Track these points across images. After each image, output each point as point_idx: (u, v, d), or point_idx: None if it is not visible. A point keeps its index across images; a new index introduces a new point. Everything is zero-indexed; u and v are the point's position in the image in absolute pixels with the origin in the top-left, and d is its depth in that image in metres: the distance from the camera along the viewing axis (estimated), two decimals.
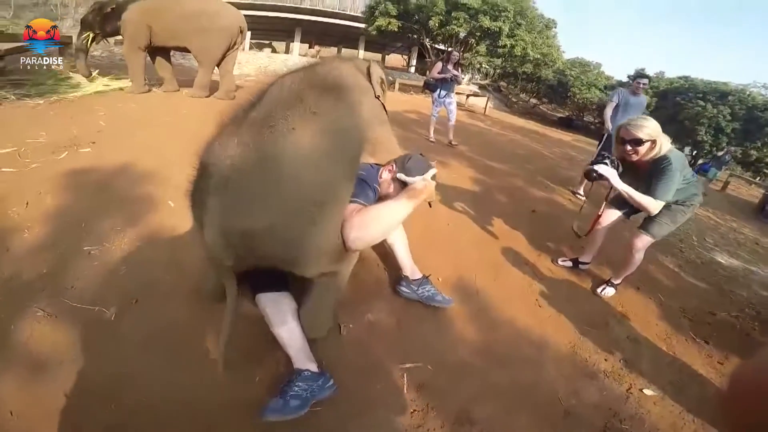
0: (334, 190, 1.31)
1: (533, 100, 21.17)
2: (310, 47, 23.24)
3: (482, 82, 18.98)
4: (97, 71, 6.03)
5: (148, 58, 5.76)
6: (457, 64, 5.72)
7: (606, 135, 4.43)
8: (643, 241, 2.33)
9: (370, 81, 1.86)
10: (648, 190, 2.14)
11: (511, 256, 2.75)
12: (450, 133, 5.91)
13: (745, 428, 0.47)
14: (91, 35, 5.64)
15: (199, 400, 1.42)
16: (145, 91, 5.71)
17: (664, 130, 2.16)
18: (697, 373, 2.00)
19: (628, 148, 2.12)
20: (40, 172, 2.70)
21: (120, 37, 5.89)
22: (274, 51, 21.77)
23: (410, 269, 2.08)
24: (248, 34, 6.11)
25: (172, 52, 6.12)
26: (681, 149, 4.28)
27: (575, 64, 19.11)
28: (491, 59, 14.94)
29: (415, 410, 1.53)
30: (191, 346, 1.60)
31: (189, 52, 5.86)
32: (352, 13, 19.54)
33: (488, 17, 13.30)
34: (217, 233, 1.24)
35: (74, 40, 6.13)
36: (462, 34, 14.40)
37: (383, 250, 2.24)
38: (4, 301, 1.67)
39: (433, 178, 1.66)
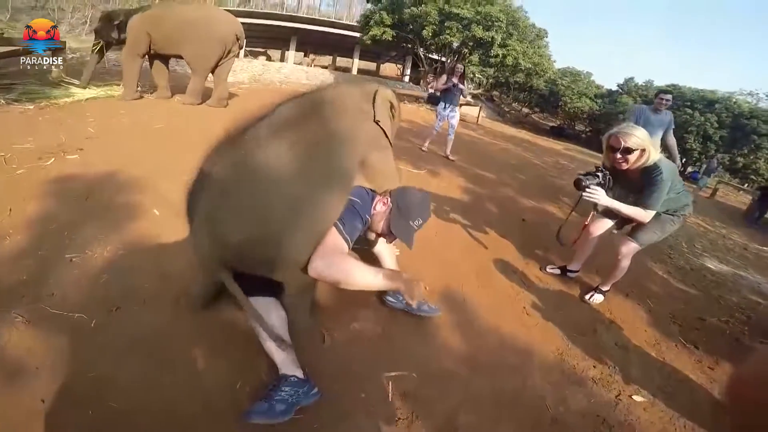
0: (315, 206, 1.42)
1: (525, 110, 21.40)
2: (305, 56, 23.38)
3: (475, 92, 19.19)
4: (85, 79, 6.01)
5: (146, 64, 5.83)
6: (462, 77, 5.65)
7: None
8: (630, 248, 2.34)
9: (373, 106, 1.85)
10: (638, 199, 2.15)
11: (499, 265, 2.75)
12: (448, 147, 5.78)
13: None
14: (102, 44, 5.80)
15: (180, 406, 1.39)
16: (136, 98, 5.71)
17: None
18: (687, 378, 1.99)
19: (618, 156, 2.11)
20: (26, 178, 2.67)
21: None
22: (269, 59, 21.84)
23: None
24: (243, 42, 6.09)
25: (171, 60, 6.17)
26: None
27: (566, 73, 19.39)
28: (484, 69, 15.12)
29: (400, 418, 1.51)
30: (172, 353, 1.57)
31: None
32: (347, 23, 19.74)
33: (481, 27, 13.48)
34: (205, 233, 1.38)
35: (68, 45, 6.17)
36: (455, 44, 14.58)
37: (370, 259, 2.23)
38: None
39: (420, 225, 1.71)
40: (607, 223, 2.49)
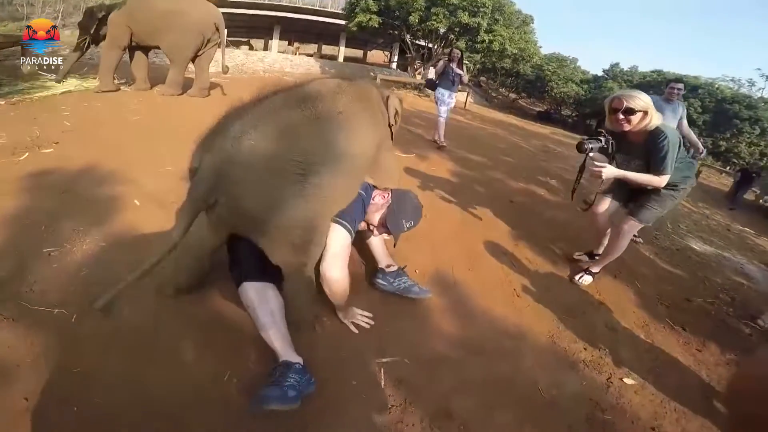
0: (319, 178, 1.43)
1: (512, 95, 21.42)
2: (289, 44, 22.97)
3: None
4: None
5: (126, 57, 5.77)
6: (460, 62, 5.46)
7: None
8: (631, 226, 2.31)
9: (387, 109, 1.95)
10: (647, 166, 2.11)
11: (489, 247, 2.73)
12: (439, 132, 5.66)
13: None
14: (88, 39, 5.81)
15: (168, 399, 1.36)
16: (113, 90, 5.59)
17: None
18: (675, 360, 2.00)
19: (621, 117, 2.08)
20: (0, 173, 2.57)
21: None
22: (251, 48, 21.40)
23: (386, 262, 2.06)
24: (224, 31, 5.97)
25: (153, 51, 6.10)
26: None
27: (552, 59, 19.44)
28: (471, 55, 15.03)
29: (393, 405, 1.49)
30: (156, 345, 1.54)
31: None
32: (332, 10, 19.37)
33: (467, 13, 13.37)
34: (211, 171, 1.39)
35: None
36: (442, 30, 14.45)
37: (359, 244, 2.20)
38: None
39: (410, 228, 1.87)
40: (612, 203, 2.45)
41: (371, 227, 1.90)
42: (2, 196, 2.30)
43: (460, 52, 5.50)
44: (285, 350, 1.44)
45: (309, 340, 1.65)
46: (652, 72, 18.99)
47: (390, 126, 1.96)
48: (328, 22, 19.13)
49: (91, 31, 5.78)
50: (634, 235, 3.14)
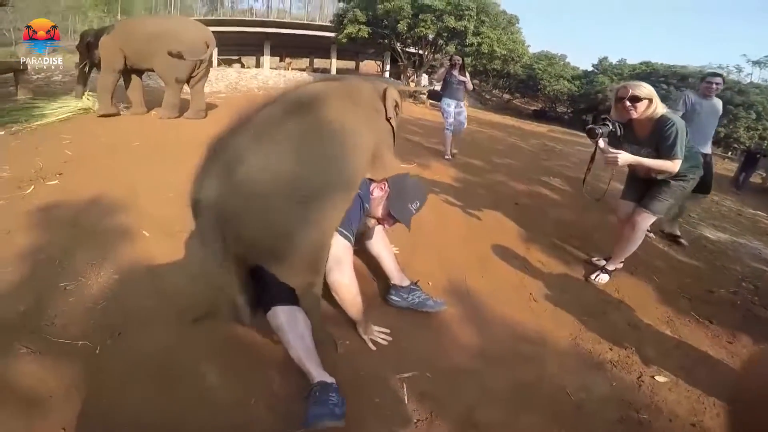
0: (325, 194, 1.41)
1: (506, 96, 21.51)
2: (281, 60, 23.11)
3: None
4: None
5: (121, 81, 5.79)
6: (462, 68, 5.12)
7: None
8: (644, 218, 2.30)
9: (384, 103, 1.89)
10: (657, 154, 2.14)
11: (499, 252, 2.71)
12: (453, 144, 5.31)
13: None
14: (87, 63, 5.93)
15: (194, 425, 1.36)
16: (112, 113, 5.62)
17: None
18: (706, 354, 1.96)
19: (627, 104, 2.12)
20: (7, 209, 2.58)
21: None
22: (242, 66, 21.53)
23: (398, 277, 2.04)
24: (215, 50, 6.02)
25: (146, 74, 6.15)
26: None
27: (541, 57, 19.55)
28: (452, 56, 15.11)
29: (418, 420, 1.46)
30: (181, 372, 1.53)
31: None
32: (320, 23, 19.53)
33: (453, 17, 13.49)
34: (212, 212, 1.34)
35: (30, 65, 6.36)
36: (430, 36, 14.55)
37: (370, 262, 2.18)
38: None
39: (419, 209, 1.82)
40: (630, 205, 2.45)
41: (381, 222, 1.87)
42: (14, 232, 2.30)
43: (460, 58, 5.16)
44: (318, 371, 1.43)
45: (328, 360, 1.63)
46: (641, 64, 19.10)
47: (389, 119, 1.90)
48: (318, 36, 19.27)
49: (85, 56, 5.87)
50: (648, 230, 3.12)
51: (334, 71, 20.88)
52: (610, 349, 1.93)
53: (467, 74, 5.14)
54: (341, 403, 1.33)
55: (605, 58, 20.01)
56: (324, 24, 19.09)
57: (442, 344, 1.86)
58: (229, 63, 19.62)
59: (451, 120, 5.06)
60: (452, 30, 13.84)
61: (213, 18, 19.23)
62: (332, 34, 17.00)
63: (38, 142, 4.07)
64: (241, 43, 21.06)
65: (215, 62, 6.07)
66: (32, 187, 2.89)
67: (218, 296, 1.66)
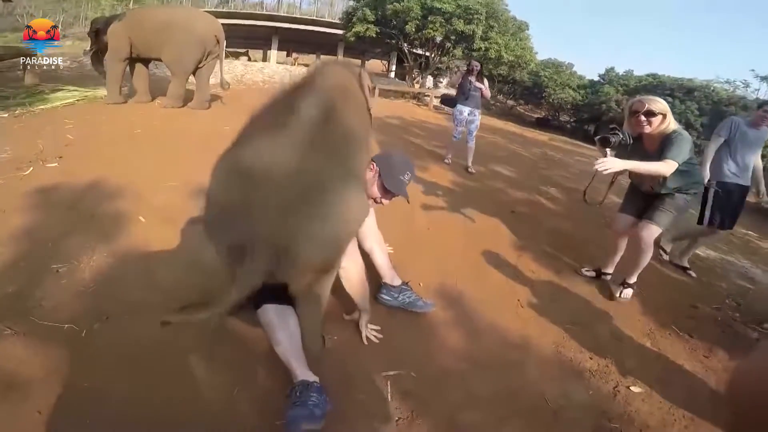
0: (340, 197, 1.32)
1: (510, 102, 21.50)
2: (288, 55, 23.11)
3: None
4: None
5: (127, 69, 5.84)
6: (480, 75, 4.85)
7: (711, 190, 2.96)
8: (651, 231, 2.29)
9: (362, 90, 1.82)
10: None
11: (492, 258, 2.75)
12: (469, 157, 5.01)
13: (746, 429, 0.47)
14: (96, 49, 5.98)
15: (177, 414, 1.37)
16: (120, 102, 5.68)
17: None
18: (682, 367, 2.00)
19: (642, 118, 2.14)
20: (5, 189, 2.60)
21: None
22: (249, 59, 21.53)
23: (390, 276, 2.07)
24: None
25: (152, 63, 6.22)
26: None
27: (548, 65, 19.52)
28: (465, 61, 15.13)
29: (399, 418, 1.49)
30: (165, 361, 1.55)
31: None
32: (329, 20, 19.54)
33: (462, 21, 13.48)
34: (267, 246, 1.22)
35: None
36: (438, 39, 14.56)
37: (362, 259, 2.21)
38: None
39: (410, 179, 1.84)
40: (630, 219, 2.47)
41: (378, 201, 1.88)
42: (9, 212, 2.32)
43: (479, 64, 4.93)
44: (302, 370, 1.44)
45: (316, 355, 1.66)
46: (647, 76, 19.07)
47: (369, 105, 1.81)
48: (327, 32, 19.28)
49: (93, 44, 5.92)
50: (663, 250, 3.13)
51: None
52: (591, 359, 1.96)
53: (485, 81, 4.92)
54: (322, 403, 1.34)
55: (612, 69, 19.97)
56: (333, 21, 19.11)
57: (429, 345, 1.89)
58: (236, 55, 19.62)
59: (461, 128, 4.91)
60: (460, 33, 13.84)
61: (223, 10, 19.29)
62: (340, 32, 17.01)
63: (41, 125, 4.10)
64: (249, 36, 21.07)
65: (222, 55, 6.07)
66: (31, 168, 2.92)
67: (209, 288, 1.68)
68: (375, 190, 1.82)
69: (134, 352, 1.55)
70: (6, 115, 4.41)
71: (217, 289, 1.70)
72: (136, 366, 1.50)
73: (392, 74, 20.11)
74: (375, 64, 23.74)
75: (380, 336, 1.84)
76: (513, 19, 15.85)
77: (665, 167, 2.07)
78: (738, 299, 2.77)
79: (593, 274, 2.70)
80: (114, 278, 1.92)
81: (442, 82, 18.37)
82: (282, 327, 1.49)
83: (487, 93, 4.93)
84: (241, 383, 1.50)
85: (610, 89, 18.14)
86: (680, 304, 2.58)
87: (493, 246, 2.91)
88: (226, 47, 6.20)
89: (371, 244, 2.06)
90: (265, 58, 23.12)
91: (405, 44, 15.56)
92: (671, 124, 2.15)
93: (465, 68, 4.96)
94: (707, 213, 2.94)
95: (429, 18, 13.68)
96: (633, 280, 2.47)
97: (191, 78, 5.95)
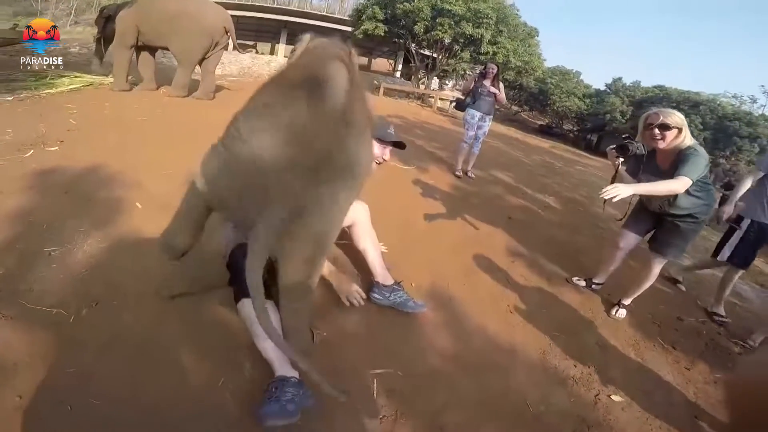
0: (345, 185, 1.28)
1: (515, 107, 21.49)
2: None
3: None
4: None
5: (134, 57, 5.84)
6: (495, 79, 4.59)
7: (743, 229, 2.64)
8: (659, 263, 2.33)
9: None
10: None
11: (485, 263, 2.76)
12: (470, 163, 4.92)
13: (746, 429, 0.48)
14: (101, 37, 5.99)
15: (162, 403, 1.37)
16: (127, 89, 5.71)
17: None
18: (663, 379, 2.02)
19: (656, 132, 2.06)
20: (4, 170, 2.61)
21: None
22: (257, 52, 21.55)
23: (382, 275, 2.08)
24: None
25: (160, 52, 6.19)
26: None
27: (555, 72, 19.51)
28: (474, 66, 15.14)
29: (384, 416, 1.51)
30: (153, 348, 1.55)
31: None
32: (339, 17, 19.54)
33: (471, 24, 13.49)
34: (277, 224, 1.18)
35: None
36: (447, 40, 14.57)
37: (355, 257, 2.23)
38: None
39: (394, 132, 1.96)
40: (635, 238, 2.48)
41: (380, 160, 1.99)
42: (6, 193, 2.33)
43: (496, 67, 4.66)
44: (281, 365, 1.44)
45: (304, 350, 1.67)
46: (654, 87, 19.07)
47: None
48: (335, 29, 19.27)
49: (100, 31, 5.92)
50: (678, 281, 3.14)
51: None
52: (575, 366, 1.98)
53: (500, 85, 4.66)
54: (299, 398, 1.34)
55: (619, 79, 19.94)
56: (342, 17, 19.11)
57: (418, 345, 1.90)
58: (244, 48, 19.63)
59: (471, 133, 4.67)
60: (469, 37, 13.85)
61: (234, 2, 19.27)
62: (349, 29, 17.02)
63: (44, 109, 4.12)
64: (258, 29, 21.10)
65: (230, 46, 6.05)
66: (31, 151, 2.94)
67: (202, 276, 1.69)
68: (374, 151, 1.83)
69: (121, 339, 1.56)
70: (11, 98, 4.42)
71: (211, 276, 1.73)
72: (121, 352, 1.51)
73: (398, 74, 20.11)
74: (381, 63, 23.72)
75: (362, 302, 1.94)
76: (523, 25, 15.86)
77: (678, 185, 1.97)
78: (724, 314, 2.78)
79: (584, 283, 2.72)
80: (106, 264, 1.93)
81: (447, 84, 18.35)
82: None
83: (502, 97, 4.68)
84: (227, 374, 1.51)
85: (616, 100, 18.15)
86: (667, 316, 2.60)
87: (487, 251, 2.93)
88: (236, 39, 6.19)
89: (364, 243, 2.07)
90: (272, 52, 23.14)
91: (413, 44, 15.57)
92: (687, 139, 2.07)
93: (479, 71, 4.76)
94: (728, 250, 2.72)
95: (438, 19, 13.71)
96: (629, 301, 2.50)
97: (197, 68, 5.97)
